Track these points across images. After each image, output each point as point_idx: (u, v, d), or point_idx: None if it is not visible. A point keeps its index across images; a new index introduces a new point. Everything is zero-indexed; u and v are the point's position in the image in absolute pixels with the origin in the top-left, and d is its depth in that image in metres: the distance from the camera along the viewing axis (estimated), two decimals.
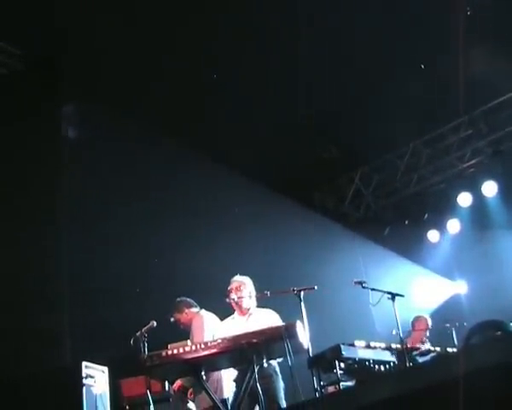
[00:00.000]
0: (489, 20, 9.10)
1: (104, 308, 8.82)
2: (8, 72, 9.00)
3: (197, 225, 9.85)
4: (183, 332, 7.53)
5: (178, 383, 7.21)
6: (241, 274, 7.36)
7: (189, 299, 7.71)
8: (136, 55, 8.98)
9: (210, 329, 7.13)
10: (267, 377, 6.67)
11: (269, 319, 6.99)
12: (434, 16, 9.04)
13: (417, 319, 9.59)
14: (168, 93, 9.53)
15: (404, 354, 7.06)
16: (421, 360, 7.61)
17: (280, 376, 6.91)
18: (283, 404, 6.79)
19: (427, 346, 8.36)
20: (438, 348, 8.12)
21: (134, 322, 6.99)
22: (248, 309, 7.13)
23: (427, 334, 9.37)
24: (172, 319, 7.57)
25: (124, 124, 9.10)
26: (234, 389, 6.72)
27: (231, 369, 6.87)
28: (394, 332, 7.27)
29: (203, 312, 7.48)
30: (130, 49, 8.86)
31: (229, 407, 6.63)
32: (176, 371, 6.50)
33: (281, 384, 6.88)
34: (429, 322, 9.51)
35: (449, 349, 8.26)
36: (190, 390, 7.21)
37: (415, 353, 7.58)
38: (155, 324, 6.63)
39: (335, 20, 9.09)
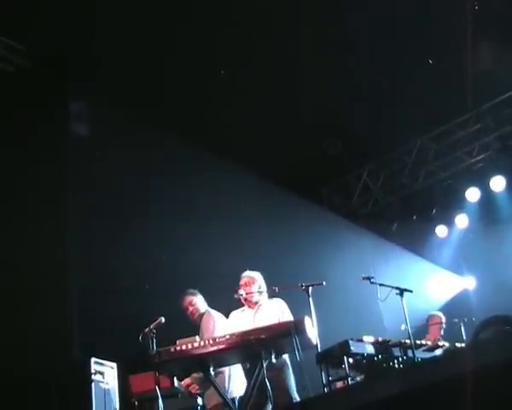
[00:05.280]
0: (497, 15, 9.08)
1: (113, 305, 8.83)
2: (15, 69, 9.02)
3: (205, 221, 9.87)
4: (192, 328, 7.55)
5: (187, 381, 7.25)
6: (250, 270, 7.38)
7: (199, 294, 7.71)
8: (143, 51, 8.99)
9: (221, 329, 7.13)
10: (278, 369, 6.68)
11: (277, 308, 7.02)
12: (441, 11, 9.02)
13: (432, 317, 9.65)
14: (175, 90, 9.55)
15: (412, 349, 7.05)
16: (429, 355, 7.59)
17: (291, 369, 6.93)
18: (295, 395, 6.82)
19: (439, 342, 8.35)
20: (446, 344, 8.12)
21: (142, 318, 7.01)
22: (258, 300, 7.16)
23: (442, 332, 9.41)
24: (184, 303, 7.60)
25: (131, 121, 9.12)
26: (243, 387, 6.74)
27: (240, 369, 6.90)
28: (403, 328, 7.27)
29: (212, 311, 7.50)
30: (137, 45, 8.88)
31: (238, 403, 6.66)
32: (184, 366, 6.52)
33: (292, 376, 6.91)
34: (443, 318, 9.57)
35: (457, 345, 8.26)
36: (193, 385, 7.24)
37: (423, 348, 7.56)
38: (164, 320, 6.63)
39: (342, 17, 9.09)
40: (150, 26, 8.71)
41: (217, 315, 7.44)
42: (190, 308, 7.57)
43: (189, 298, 7.61)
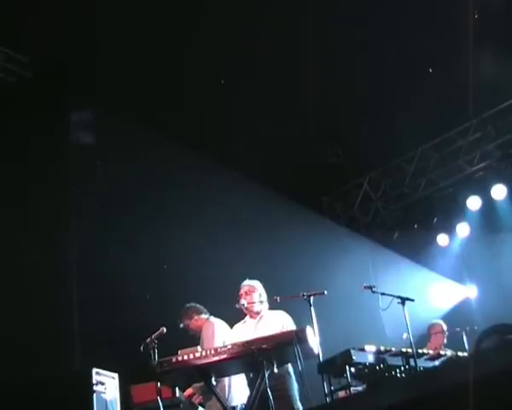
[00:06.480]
0: (497, 23, 9.10)
1: (114, 314, 8.83)
2: (18, 80, 9.05)
3: (206, 230, 9.86)
4: (193, 338, 7.54)
5: (189, 391, 7.24)
6: (250, 279, 7.37)
7: (198, 305, 7.73)
8: (145, 61, 9.02)
9: (221, 336, 7.13)
10: (280, 378, 6.68)
11: (279, 320, 7.01)
12: (442, 19, 9.05)
13: (433, 325, 9.63)
14: (178, 99, 9.57)
15: (414, 358, 7.03)
16: (431, 364, 7.57)
17: (293, 377, 6.92)
18: (298, 405, 6.81)
19: (441, 351, 8.32)
20: (448, 352, 8.10)
21: (144, 328, 7.01)
22: (259, 312, 7.16)
23: (445, 341, 9.39)
24: (181, 326, 7.58)
25: (133, 129, 9.14)
26: (244, 396, 6.73)
27: (241, 377, 6.89)
28: (405, 337, 7.25)
29: (213, 318, 7.49)
30: (139, 55, 8.91)
31: None
32: (186, 377, 6.52)
33: (294, 385, 6.90)
34: (445, 327, 9.54)
35: (460, 353, 8.24)
36: (196, 396, 7.24)
37: (425, 357, 7.54)
38: (165, 330, 6.63)
39: (343, 25, 9.12)
40: (154, 34, 8.75)
41: (217, 322, 7.43)
42: (193, 328, 7.57)
43: (186, 322, 7.61)
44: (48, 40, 8.65)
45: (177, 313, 7.79)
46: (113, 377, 7.36)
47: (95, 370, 7.07)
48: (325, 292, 6.76)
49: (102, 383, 7.10)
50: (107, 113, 9.12)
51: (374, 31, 9.17)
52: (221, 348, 6.23)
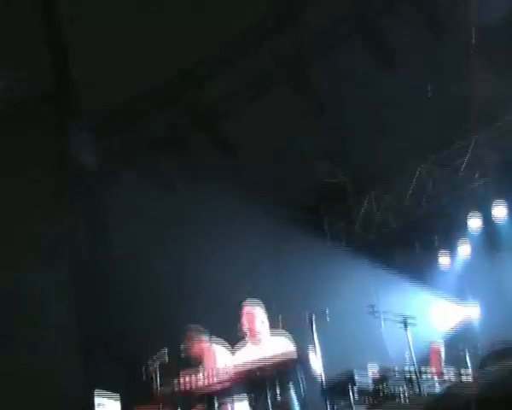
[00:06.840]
0: (497, 39, 9.15)
1: (113, 319, 8.81)
2: (17, 101, 9.10)
3: (206, 245, 9.88)
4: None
5: None
6: (251, 298, 7.34)
7: (199, 326, 7.69)
8: (143, 74, 9.09)
9: (223, 362, 7.08)
10: (283, 402, 6.63)
11: (281, 347, 6.96)
12: (440, 39, 9.10)
13: (432, 345, 9.62)
14: (176, 112, 9.64)
15: (417, 379, 7.00)
16: (433, 383, 7.54)
17: (296, 400, 6.88)
18: None
19: (444, 370, 8.30)
20: (451, 372, 8.07)
21: (144, 332, 7.00)
22: (260, 337, 7.12)
23: (443, 359, 9.37)
24: (182, 347, 7.55)
25: (133, 143, 9.20)
26: None
27: (244, 403, 6.85)
28: (408, 358, 7.23)
29: (214, 345, 7.45)
30: (135, 70, 8.98)
31: None
32: (188, 400, 6.47)
33: (296, 408, 6.86)
34: (442, 347, 9.53)
35: (462, 371, 8.20)
36: None
37: (427, 377, 7.51)
38: (167, 357, 6.58)
39: (343, 42, 9.18)
40: (149, 47, 8.82)
41: (218, 349, 7.39)
42: (194, 350, 7.56)
43: (187, 344, 7.60)
44: (47, 61, 8.73)
45: (176, 318, 7.78)
46: (116, 399, 7.34)
47: (96, 392, 7.06)
48: (327, 311, 6.74)
49: (104, 405, 7.08)
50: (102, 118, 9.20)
51: (374, 50, 9.22)
52: (224, 371, 6.19)
